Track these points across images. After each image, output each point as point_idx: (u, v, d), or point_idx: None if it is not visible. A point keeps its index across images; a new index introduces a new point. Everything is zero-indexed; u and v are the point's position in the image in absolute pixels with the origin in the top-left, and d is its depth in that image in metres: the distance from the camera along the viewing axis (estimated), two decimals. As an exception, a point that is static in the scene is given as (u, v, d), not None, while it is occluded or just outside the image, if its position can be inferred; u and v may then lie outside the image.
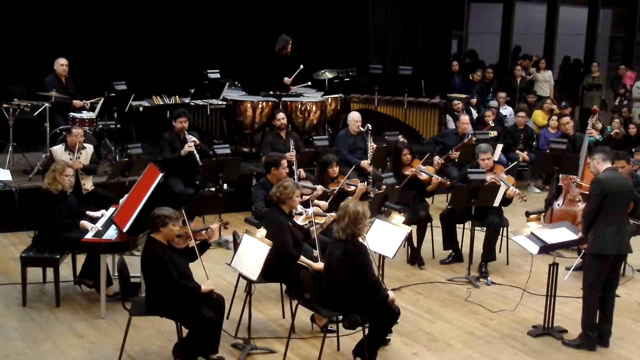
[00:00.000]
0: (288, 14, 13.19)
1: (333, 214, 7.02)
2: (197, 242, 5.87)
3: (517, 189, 7.93)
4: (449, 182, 8.31)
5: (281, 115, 9.63)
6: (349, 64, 12.97)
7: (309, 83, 11.68)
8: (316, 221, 6.69)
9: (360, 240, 5.62)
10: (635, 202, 7.46)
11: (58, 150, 8.32)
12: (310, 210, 7.03)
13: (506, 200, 7.99)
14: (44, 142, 9.44)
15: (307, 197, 7.76)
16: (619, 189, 6.06)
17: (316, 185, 8.01)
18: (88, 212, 7.16)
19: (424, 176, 8.23)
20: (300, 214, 6.99)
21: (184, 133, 8.92)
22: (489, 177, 7.94)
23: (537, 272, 7.28)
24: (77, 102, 9.89)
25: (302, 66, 11.35)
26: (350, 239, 5.56)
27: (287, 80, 11.24)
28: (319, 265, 6.08)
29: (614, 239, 6.02)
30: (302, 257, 6.25)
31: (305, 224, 6.84)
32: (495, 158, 8.91)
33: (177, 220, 5.65)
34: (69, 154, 8.21)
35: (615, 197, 6.01)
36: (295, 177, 8.70)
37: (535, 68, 14.80)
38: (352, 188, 8.07)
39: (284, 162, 7.65)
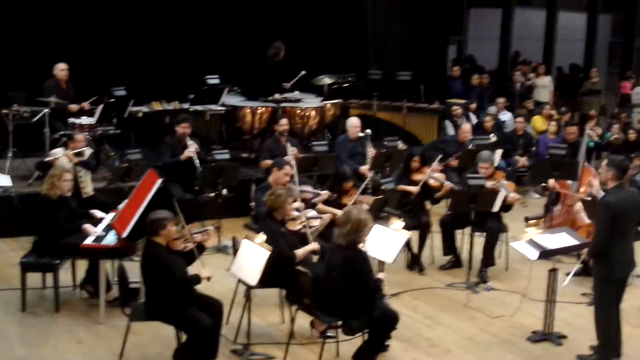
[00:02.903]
0: (287, 19, 13.20)
1: (327, 215, 7.03)
2: (195, 244, 5.90)
3: (517, 195, 7.93)
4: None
5: (284, 121, 9.63)
6: (348, 69, 12.97)
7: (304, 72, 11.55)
8: (310, 224, 6.69)
9: (360, 247, 5.63)
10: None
11: (58, 153, 8.30)
12: (304, 213, 6.97)
13: (506, 206, 7.99)
14: (43, 147, 9.43)
15: (314, 200, 7.74)
16: (629, 209, 5.81)
17: (320, 191, 7.95)
18: (91, 211, 7.15)
19: (434, 183, 8.20)
20: (295, 219, 6.92)
21: (186, 139, 8.92)
22: (489, 184, 7.94)
23: (536, 278, 7.25)
24: (72, 107, 9.82)
25: (304, 72, 11.32)
26: (351, 245, 5.57)
27: (286, 86, 11.25)
28: (314, 245, 6.40)
29: (621, 263, 5.85)
30: (297, 251, 6.32)
31: (300, 229, 6.81)
32: (495, 164, 8.91)
33: (174, 221, 5.69)
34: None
35: (624, 218, 5.79)
36: (297, 180, 8.58)
37: (534, 73, 14.83)
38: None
39: (288, 169, 7.64)
